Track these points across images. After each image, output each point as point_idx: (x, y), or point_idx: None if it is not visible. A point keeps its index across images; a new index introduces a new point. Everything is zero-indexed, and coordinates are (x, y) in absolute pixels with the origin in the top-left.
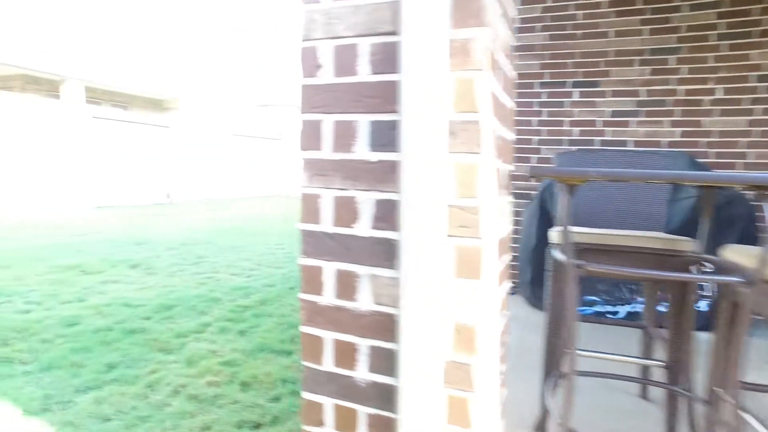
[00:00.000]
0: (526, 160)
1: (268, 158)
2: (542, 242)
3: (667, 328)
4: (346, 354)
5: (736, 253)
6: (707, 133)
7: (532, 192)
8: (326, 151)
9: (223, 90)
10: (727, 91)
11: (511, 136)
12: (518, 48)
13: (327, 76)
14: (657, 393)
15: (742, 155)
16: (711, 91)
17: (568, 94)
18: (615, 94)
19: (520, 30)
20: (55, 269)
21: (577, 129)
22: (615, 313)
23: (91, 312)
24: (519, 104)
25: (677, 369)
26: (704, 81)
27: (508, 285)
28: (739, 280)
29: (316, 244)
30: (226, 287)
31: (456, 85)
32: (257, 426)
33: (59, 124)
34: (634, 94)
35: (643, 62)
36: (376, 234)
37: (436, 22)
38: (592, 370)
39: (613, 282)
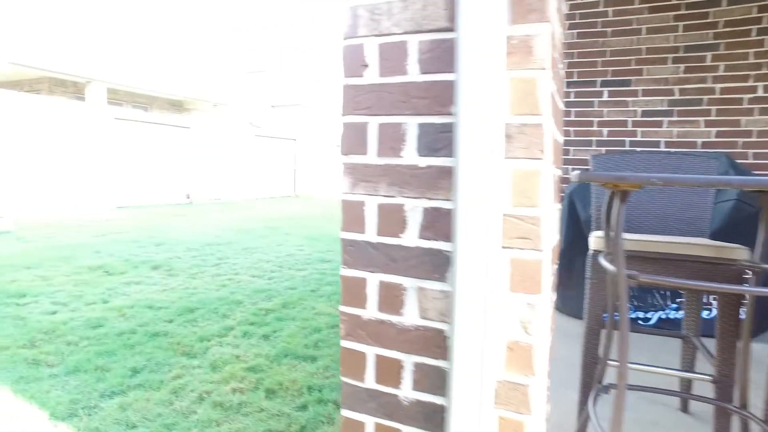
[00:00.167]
0: None
1: (285, 159)
2: (572, 246)
3: (715, 339)
4: (389, 370)
5: None
6: (746, 133)
7: (560, 194)
8: (371, 156)
9: (242, 91)
10: None
11: (562, 139)
12: None
13: (372, 75)
14: (698, 407)
15: None
16: (752, 89)
17: (598, 94)
18: (647, 93)
19: None
20: (80, 270)
21: (606, 129)
22: (646, 319)
23: (114, 314)
24: None
25: (728, 384)
26: (744, 78)
27: (554, 296)
28: None
29: (359, 254)
30: (248, 290)
31: (514, 86)
32: None
33: (84, 126)
34: (667, 93)
35: (676, 60)
36: (424, 244)
37: (495, 17)
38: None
39: (645, 286)
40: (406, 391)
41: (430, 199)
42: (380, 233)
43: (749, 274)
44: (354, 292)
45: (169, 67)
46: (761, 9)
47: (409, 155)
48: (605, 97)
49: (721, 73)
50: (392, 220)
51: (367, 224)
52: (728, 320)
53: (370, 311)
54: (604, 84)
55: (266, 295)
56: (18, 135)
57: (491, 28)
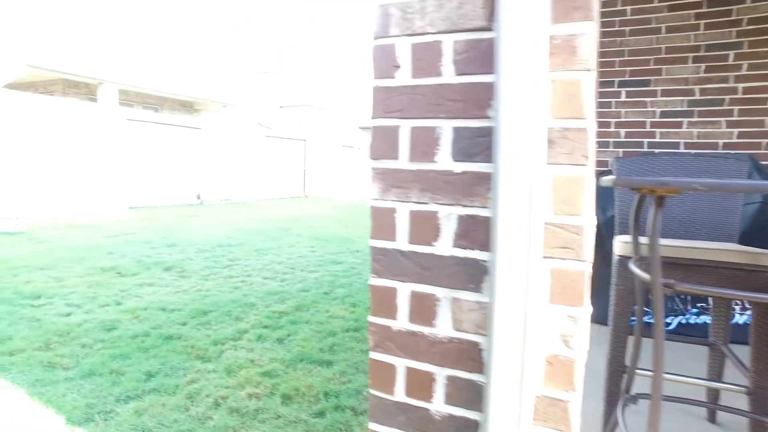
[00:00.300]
0: None
1: (295, 159)
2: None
3: (746, 346)
4: (420, 383)
5: None
6: None
7: None
8: (402, 161)
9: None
10: None
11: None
12: None
13: (404, 77)
14: (726, 417)
15: None
16: None
17: (616, 94)
18: (666, 93)
19: None
20: (93, 271)
21: (623, 130)
22: (666, 324)
23: (128, 316)
24: None
25: (763, 396)
26: None
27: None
28: None
29: (389, 262)
30: (261, 292)
31: (556, 88)
32: None
33: (96, 127)
34: (688, 93)
35: (697, 59)
36: (458, 253)
37: (537, 16)
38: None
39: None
40: (438, 405)
41: (465, 206)
42: (412, 241)
43: None
44: (384, 302)
45: (179, 68)
46: None
47: (443, 160)
48: (623, 98)
49: (744, 72)
50: (425, 227)
51: (398, 232)
52: (764, 329)
53: (401, 322)
54: (622, 84)
55: (279, 297)
56: (31, 136)
57: (533, 28)
